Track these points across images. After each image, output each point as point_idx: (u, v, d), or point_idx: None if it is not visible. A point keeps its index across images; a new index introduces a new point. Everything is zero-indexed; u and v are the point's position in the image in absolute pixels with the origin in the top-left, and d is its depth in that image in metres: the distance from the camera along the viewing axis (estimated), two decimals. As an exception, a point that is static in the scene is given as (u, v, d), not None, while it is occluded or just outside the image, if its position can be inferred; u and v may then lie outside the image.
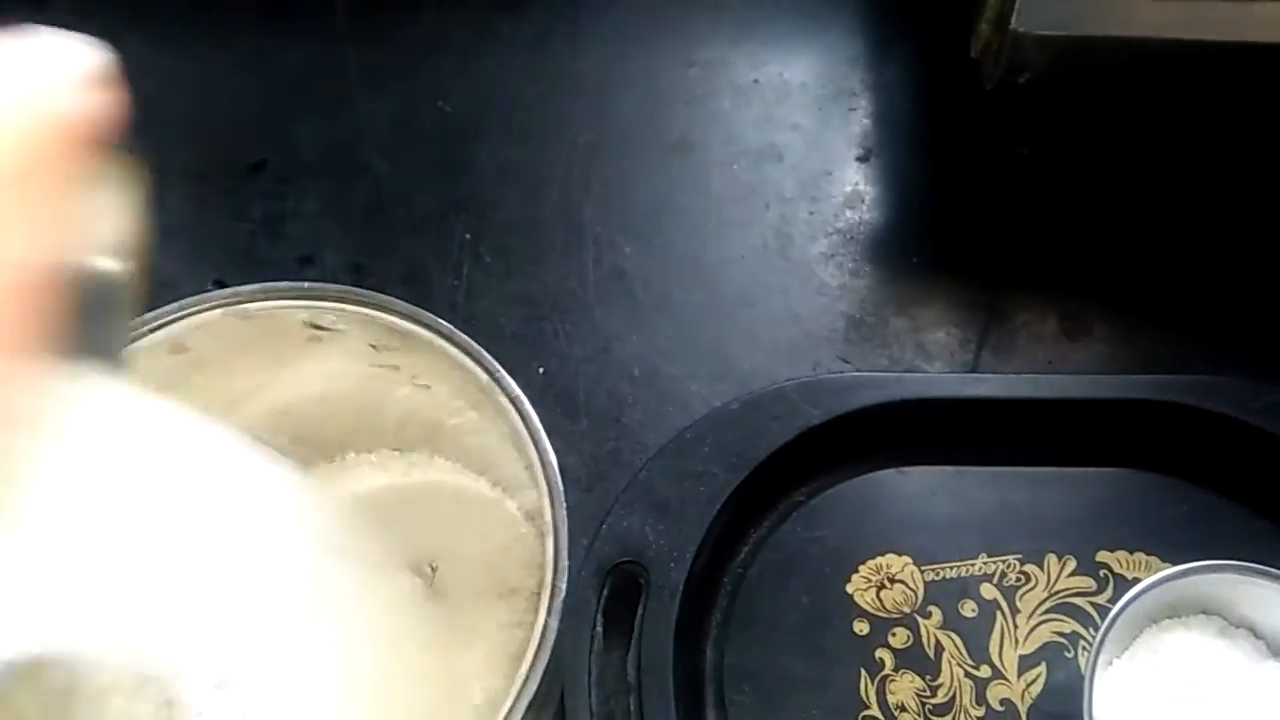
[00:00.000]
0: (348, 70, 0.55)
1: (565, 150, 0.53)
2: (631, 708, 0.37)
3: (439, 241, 0.51)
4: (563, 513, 0.29)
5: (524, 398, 0.31)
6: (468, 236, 0.51)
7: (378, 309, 0.32)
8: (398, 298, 0.34)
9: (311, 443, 0.38)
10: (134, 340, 0.31)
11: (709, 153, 0.53)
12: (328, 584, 0.36)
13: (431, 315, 0.33)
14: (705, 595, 0.40)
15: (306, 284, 0.32)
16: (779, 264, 0.50)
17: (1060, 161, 0.50)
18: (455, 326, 0.33)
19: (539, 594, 0.36)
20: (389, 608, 0.36)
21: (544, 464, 0.30)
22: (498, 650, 0.36)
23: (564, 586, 0.28)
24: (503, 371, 0.32)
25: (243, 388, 0.35)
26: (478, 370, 0.32)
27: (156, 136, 0.53)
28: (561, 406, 0.46)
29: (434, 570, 0.36)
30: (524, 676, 0.27)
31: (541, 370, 0.47)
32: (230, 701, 0.34)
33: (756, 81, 0.54)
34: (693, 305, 0.49)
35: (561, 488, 0.30)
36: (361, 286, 0.50)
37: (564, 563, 0.28)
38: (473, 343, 0.32)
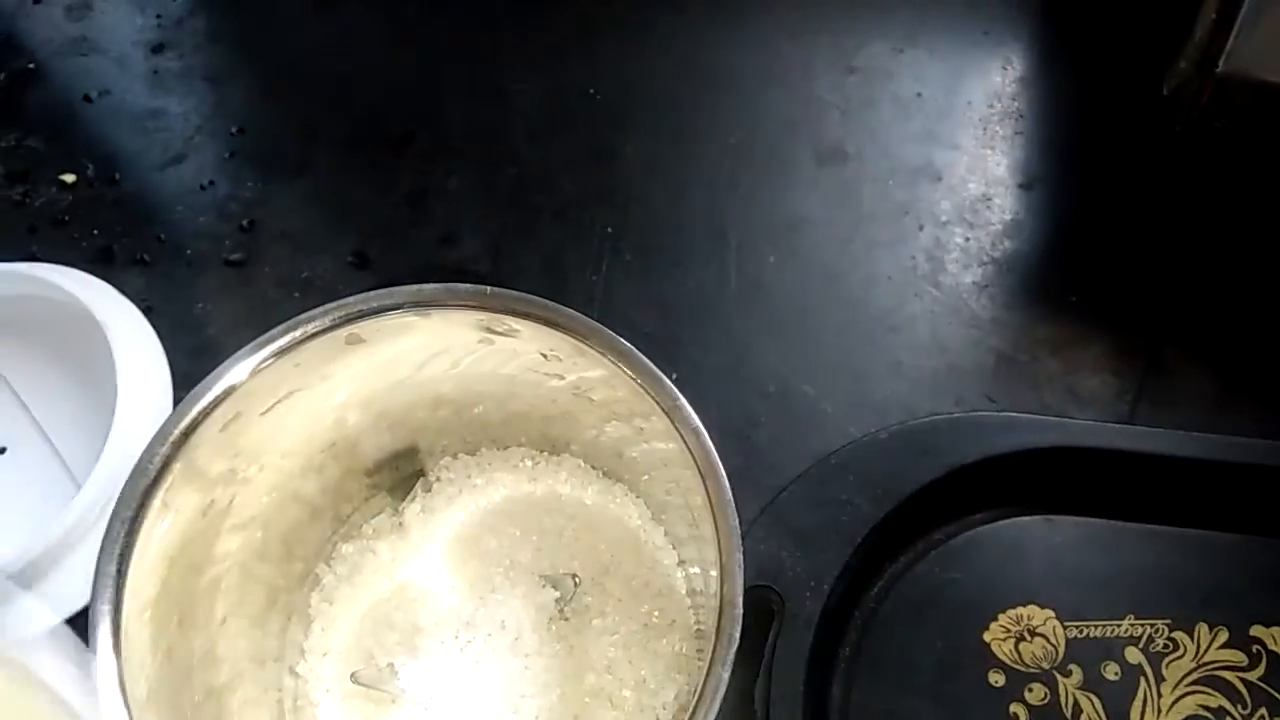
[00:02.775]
0: (502, 51, 0.54)
1: (714, 150, 0.52)
2: (758, 737, 0.36)
3: (580, 232, 0.50)
4: (739, 556, 0.28)
5: (704, 431, 0.30)
6: (609, 230, 0.50)
7: (557, 325, 0.32)
8: (535, 285, 0.33)
9: (458, 433, 0.38)
10: (314, 330, 0.31)
11: (863, 165, 0.51)
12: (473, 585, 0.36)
13: (611, 334, 0.32)
14: (838, 628, 0.39)
15: (489, 289, 0.32)
16: (928, 290, 0.48)
17: (1237, 212, 0.48)
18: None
19: (677, 623, 0.35)
20: (526, 615, 0.35)
21: (721, 502, 0.29)
22: (629, 677, 0.35)
23: (738, 635, 0.27)
24: (683, 400, 0.31)
25: (403, 375, 0.35)
26: (657, 397, 0.31)
27: (309, 98, 0.54)
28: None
29: (576, 584, 0.35)
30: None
31: (674, 376, 0.47)
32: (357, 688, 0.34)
33: (919, 95, 0.52)
34: (833, 324, 0.48)
35: (739, 529, 0.29)
36: (500, 271, 0.50)
37: (738, 610, 0.27)
38: (652, 366, 0.31)
